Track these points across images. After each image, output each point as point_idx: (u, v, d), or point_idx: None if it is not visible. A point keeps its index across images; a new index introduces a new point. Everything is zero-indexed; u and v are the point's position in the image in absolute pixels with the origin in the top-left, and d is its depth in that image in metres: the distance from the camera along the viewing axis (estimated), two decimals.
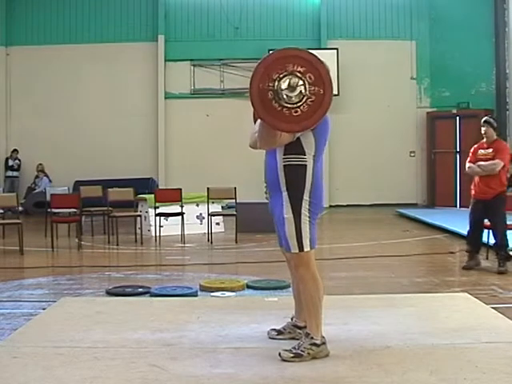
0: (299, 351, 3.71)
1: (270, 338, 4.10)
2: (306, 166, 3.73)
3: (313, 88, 3.45)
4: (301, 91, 3.43)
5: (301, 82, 3.43)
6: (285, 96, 3.43)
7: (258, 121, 3.74)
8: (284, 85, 3.43)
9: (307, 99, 3.45)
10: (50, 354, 3.82)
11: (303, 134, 3.67)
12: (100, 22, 16.50)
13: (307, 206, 3.74)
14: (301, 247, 3.73)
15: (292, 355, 3.70)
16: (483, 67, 15.98)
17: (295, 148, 3.71)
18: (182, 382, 3.39)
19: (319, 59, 3.51)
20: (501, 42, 15.65)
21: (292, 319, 4.15)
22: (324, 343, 3.77)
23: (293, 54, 3.49)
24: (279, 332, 4.12)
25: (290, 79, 3.42)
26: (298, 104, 3.45)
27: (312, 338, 3.75)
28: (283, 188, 3.75)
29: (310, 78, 3.45)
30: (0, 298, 5.93)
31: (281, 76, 3.43)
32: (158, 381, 3.39)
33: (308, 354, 3.71)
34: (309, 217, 3.74)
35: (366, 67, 16.15)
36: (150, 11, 16.53)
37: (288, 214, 3.72)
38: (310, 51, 3.55)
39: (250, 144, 4.01)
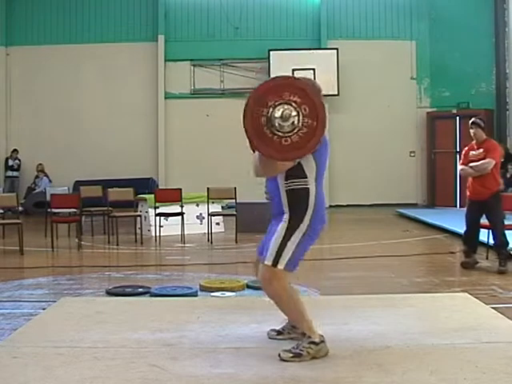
0: (298, 351, 3.72)
1: (270, 338, 4.11)
2: (308, 188, 3.74)
3: (306, 120, 3.44)
4: (293, 122, 3.42)
5: (294, 113, 3.42)
6: (277, 124, 3.42)
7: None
8: (278, 113, 3.42)
9: (299, 130, 3.44)
10: (50, 354, 3.82)
11: (304, 158, 3.66)
12: (100, 22, 16.50)
13: (304, 230, 3.73)
14: (275, 262, 3.70)
15: (291, 355, 3.70)
16: (483, 67, 15.98)
17: (297, 172, 3.71)
18: (182, 382, 3.39)
19: (318, 94, 3.50)
20: (501, 42, 15.65)
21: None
22: (323, 341, 3.77)
23: (291, 83, 3.49)
24: (279, 332, 4.12)
25: (284, 110, 3.41)
26: (289, 134, 3.43)
27: (309, 337, 3.75)
28: (286, 209, 3.76)
29: (304, 109, 3.44)
30: (0, 297, 5.93)
31: (276, 104, 3.43)
32: (158, 381, 3.39)
33: (307, 353, 3.71)
34: (300, 241, 3.72)
35: (365, 67, 16.15)
36: (150, 11, 16.53)
37: (282, 230, 3.73)
38: (308, 82, 3.55)
39: (254, 173, 3.94)
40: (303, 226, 3.73)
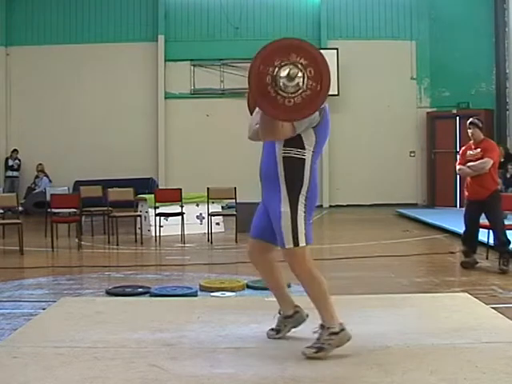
0: (320, 345, 3.72)
1: (270, 338, 4.11)
2: (304, 159, 3.74)
3: (311, 83, 3.45)
4: (298, 83, 3.43)
5: (300, 74, 3.43)
6: (282, 84, 3.43)
7: (256, 112, 3.78)
8: (283, 73, 3.43)
9: (302, 92, 3.44)
10: (49, 353, 3.82)
11: (304, 130, 3.69)
12: (100, 22, 16.50)
13: (304, 202, 3.74)
14: (296, 242, 3.71)
15: (314, 350, 3.71)
16: (483, 67, 15.98)
17: (295, 142, 3.72)
18: (182, 382, 3.39)
19: (323, 57, 3.51)
20: (501, 42, 15.64)
21: (280, 313, 4.15)
22: (343, 329, 3.76)
23: (299, 45, 3.50)
24: (277, 331, 4.13)
25: (291, 69, 3.42)
26: (293, 95, 3.44)
27: (328, 328, 3.75)
28: (281, 181, 3.74)
29: (310, 72, 3.44)
30: (0, 298, 5.93)
31: (282, 64, 3.44)
32: (158, 381, 3.39)
33: (329, 344, 3.72)
34: (304, 212, 3.74)
35: (366, 67, 16.15)
36: (150, 11, 16.54)
37: (285, 207, 3.71)
38: (317, 48, 3.55)
39: (249, 136, 3.98)
40: (302, 198, 3.73)
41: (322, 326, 3.78)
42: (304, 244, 3.73)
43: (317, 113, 3.66)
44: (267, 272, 4.10)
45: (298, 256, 3.75)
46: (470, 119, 7.47)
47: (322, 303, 3.80)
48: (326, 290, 3.81)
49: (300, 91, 3.44)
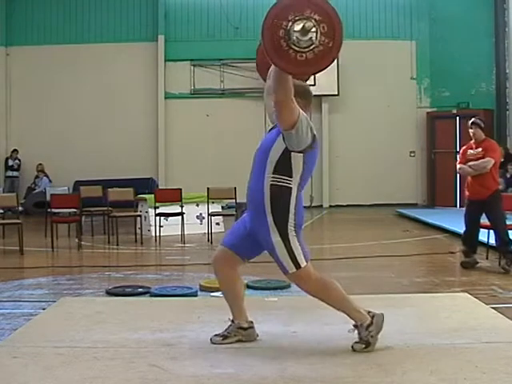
0: (366, 340, 3.82)
1: (214, 343, 4.01)
2: (291, 188, 3.77)
3: (323, 39, 3.47)
4: (311, 37, 3.45)
5: (314, 29, 3.45)
6: (295, 38, 3.44)
7: (271, 70, 3.86)
8: (298, 27, 3.45)
9: (315, 48, 3.46)
10: (49, 353, 3.82)
11: (295, 154, 3.72)
12: (100, 22, 16.50)
13: (293, 225, 3.77)
14: (297, 265, 3.78)
15: (364, 345, 3.82)
16: (483, 67, 15.99)
17: (285, 169, 3.75)
18: (182, 382, 3.39)
19: (337, 14, 3.53)
20: (501, 42, 15.65)
21: (234, 322, 4.06)
22: (373, 316, 3.85)
23: (314, 1, 3.50)
24: (224, 337, 4.04)
25: (305, 23, 3.44)
26: (305, 50, 3.46)
27: (362, 324, 3.83)
28: (268, 210, 3.76)
29: (323, 28, 3.47)
30: (0, 298, 5.93)
31: (296, 18, 3.45)
32: (158, 381, 3.39)
33: (371, 336, 3.82)
34: (295, 234, 3.78)
35: (366, 67, 16.15)
36: (150, 11, 16.54)
37: (275, 237, 3.76)
38: (331, 4, 3.58)
39: (266, 94, 4.13)
40: (290, 224, 3.76)
41: (356, 326, 3.87)
42: (305, 263, 3.79)
43: (309, 132, 3.71)
44: (229, 283, 4.05)
45: (304, 276, 3.83)
46: (472, 119, 7.47)
47: (345, 306, 3.88)
48: (342, 293, 3.88)
49: (312, 46, 3.46)
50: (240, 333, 4.03)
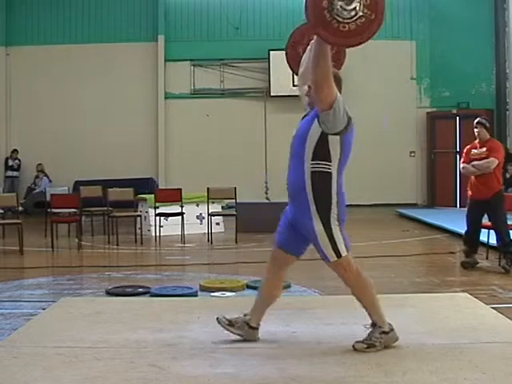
0: (371, 342, 3.86)
1: (219, 323, 4.09)
2: (331, 173, 3.82)
3: (366, 10, 3.52)
4: (355, 8, 3.51)
5: (357, 0, 3.51)
6: (339, 7, 3.50)
7: (308, 50, 4.09)
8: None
9: (357, 19, 3.52)
10: (50, 354, 3.82)
11: (332, 137, 3.78)
12: (100, 22, 16.49)
13: (335, 213, 3.83)
14: (338, 254, 3.84)
15: (366, 346, 3.86)
16: (483, 67, 15.98)
17: (323, 154, 3.78)
18: (182, 382, 3.39)
19: None
20: (501, 42, 15.64)
21: (245, 315, 4.11)
22: (392, 329, 3.91)
23: None
24: (230, 323, 4.09)
25: None
26: (348, 21, 3.52)
27: (380, 327, 3.89)
28: (310, 198, 3.80)
29: (366, 0, 3.53)
30: (0, 298, 5.93)
31: None
32: (158, 381, 3.39)
33: (380, 342, 3.87)
34: (338, 223, 3.84)
35: (365, 67, 16.13)
36: (150, 11, 16.53)
37: (318, 226, 3.80)
38: None
39: (301, 71, 4.31)
40: (333, 211, 3.82)
41: (374, 325, 3.91)
42: (346, 253, 3.87)
43: (345, 115, 3.82)
44: (272, 282, 4.11)
45: (345, 265, 3.90)
46: (478, 118, 7.47)
47: (374, 306, 3.94)
48: (374, 293, 3.96)
49: (355, 18, 3.51)
50: (244, 328, 4.07)
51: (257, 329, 4.09)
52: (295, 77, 17.49)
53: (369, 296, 3.93)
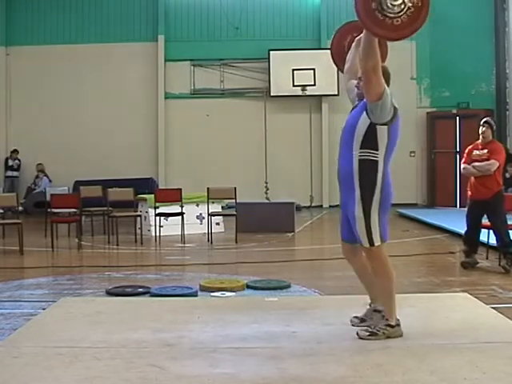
0: (375, 330, 4.02)
1: (353, 325, 4.28)
2: (378, 161, 4.01)
3: (413, 0, 3.69)
4: (404, 1, 3.67)
5: None
6: (389, 4, 3.66)
7: (353, 49, 4.39)
8: None
9: (407, 10, 3.69)
10: (50, 354, 3.82)
11: (380, 127, 3.95)
12: (100, 22, 16.49)
13: (378, 202, 4.01)
14: (371, 242, 4.03)
15: (368, 333, 4.03)
16: (483, 67, 15.98)
17: (371, 143, 3.99)
18: (182, 382, 3.39)
19: None
20: (501, 42, 15.64)
21: (370, 305, 4.33)
22: (398, 325, 4.08)
23: None
24: (362, 320, 4.30)
25: None
26: (400, 14, 3.69)
27: (387, 319, 4.04)
28: (356, 184, 4.02)
29: None
30: (0, 297, 5.93)
31: None
32: (158, 381, 3.39)
33: (383, 333, 4.02)
34: (378, 215, 4.02)
35: None
36: (150, 11, 16.53)
37: (359, 212, 4.02)
38: None
39: (347, 67, 4.50)
40: (376, 200, 4.01)
41: (382, 316, 4.09)
42: (379, 243, 4.04)
43: (392, 107, 3.94)
44: (360, 270, 4.36)
45: (375, 253, 4.07)
46: (486, 118, 7.49)
47: (388, 297, 4.10)
48: (393, 288, 4.10)
49: (405, 9, 3.68)
50: (376, 315, 4.24)
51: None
52: (295, 77, 17.53)
53: (388, 288, 4.08)
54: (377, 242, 4.03)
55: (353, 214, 4.05)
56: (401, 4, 3.66)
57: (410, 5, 3.67)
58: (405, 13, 3.68)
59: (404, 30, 3.74)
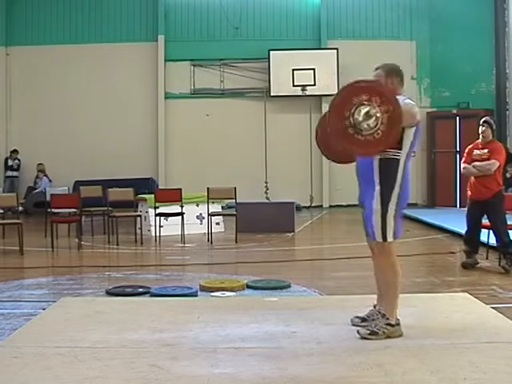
0: (375, 329, 4.04)
1: (354, 325, 4.29)
2: (399, 160, 4.16)
3: (383, 108, 3.81)
4: (376, 116, 3.80)
5: (369, 109, 3.80)
6: (366, 126, 3.81)
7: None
8: (360, 117, 3.80)
9: (382, 119, 3.82)
10: (49, 354, 3.82)
11: (408, 128, 4.10)
12: (100, 22, 16.49)
13: (396, 200, 4.12)
14: (385, 237, 4.10)
15: (369, 332, 4.05)
16: (483, 67, 15.97)
17: (396, 143, 4.08)
18: (181, 382, 3.39)
19: (377, 82, 3.97)
20: (501, 42, 15.63)
21: (375, 307, 4.31)
22: (398, 324, 4.09)
23: (353, 88, 3.87)
24: (363, 319, 4.31)
25: (366, 109, 3.79)
26: (376, 127, 3.83)
27: (387, 318, 4.05)
28: (376, 181, 4.13)
29: (376, 101, 3.81)
30: (0, 298, 5.93)
31: (352, 111, 3.81)
32: (158, 381, 3.39)
33: (383, 332, 4.05)
34: (395, 210, 4.11)
35: (366, 67, 16.04)
36: (150, 11, 16.52)
37: (377, 205, 4.10)
38: (366, 79, 3.96)
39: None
40: (394, 197, 4.11)
41: (383, 315, 4.09)
42: (392, 239, 4.11)
43: (417, 115, 4.11)
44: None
45: (386, 249, 4.13)
46: (486, 118, 7.48)
47: (390, 295, 4.14)
48: (397, 286, 4.16)
49: (380, 120, 3.83)
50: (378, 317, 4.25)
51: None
52: (295, 77, 17.54)
53: (392, 286, 4.13)
54: (390, 237, 4.09)
55: (370, 206, 4.12)
56: (376, 119, 3.81)
57: (381, 114, 3.81)
58: (381, 123, 3.83)
59: (389, 138, 3.92)
